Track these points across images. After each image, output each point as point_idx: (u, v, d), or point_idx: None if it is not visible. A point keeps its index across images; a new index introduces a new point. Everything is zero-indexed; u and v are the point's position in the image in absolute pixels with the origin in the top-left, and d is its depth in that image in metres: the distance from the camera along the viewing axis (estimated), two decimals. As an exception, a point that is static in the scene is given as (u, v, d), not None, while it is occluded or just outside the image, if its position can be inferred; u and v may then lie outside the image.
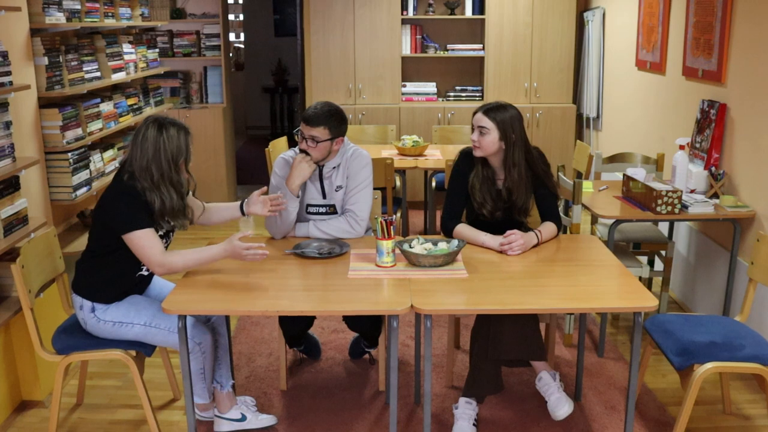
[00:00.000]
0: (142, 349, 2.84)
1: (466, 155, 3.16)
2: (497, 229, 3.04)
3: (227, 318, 3.10)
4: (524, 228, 3.10)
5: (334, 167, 3.17)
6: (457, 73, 6.82)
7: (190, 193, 2.94)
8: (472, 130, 3.07)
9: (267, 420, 3.02)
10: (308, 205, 3.20)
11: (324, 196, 3.20)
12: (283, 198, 3.02)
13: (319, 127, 3.02)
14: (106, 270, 2.78)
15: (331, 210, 3.21)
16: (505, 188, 3.09)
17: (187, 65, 6.60)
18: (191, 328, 2.74)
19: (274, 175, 3.19)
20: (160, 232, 2.76)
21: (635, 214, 3.56)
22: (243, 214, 3.05)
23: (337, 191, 3.19)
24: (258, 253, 2.69)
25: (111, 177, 4.18)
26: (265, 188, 3.02)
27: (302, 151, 3.07)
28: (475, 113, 3.07)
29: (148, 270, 2.87)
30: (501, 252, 2.95)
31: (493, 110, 3.03)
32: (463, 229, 3.08)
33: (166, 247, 2.81)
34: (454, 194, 3.16)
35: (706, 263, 4.05)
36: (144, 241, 2.65)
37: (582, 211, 3.58)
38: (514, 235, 2.93)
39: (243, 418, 2.97)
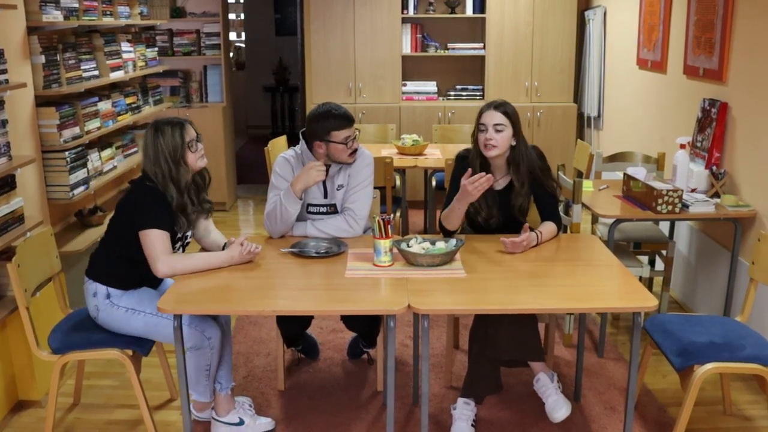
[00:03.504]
0: (139, 349, 2.83)
1: (463, 158, 3.14)
2: (497, 229, 3.01)
3: (225, 318, 3.09)
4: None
5: (340, 168, 3.15)
6: (458, 72, 6.80)
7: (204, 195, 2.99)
8: (478, 130, 3.03)
9: (265, 425, 2.99)
10: (309, 205, 3.18)
11: (325, 196, 3.18)
12: (283, 199, 3.02)
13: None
14: (124, 258, 2.82)
15: (332, 209, 3.19)
16: (505, 187, 3.07)
17: (187, 64, 6.58)
18: (202, 323, 2.75)
19: (274, 174, 3.17)
20: (179, 234, 2.84)
21: (636, 213, 3.54)
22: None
23: (338, 190, 3.17)
24: (253, 247, 2.82)
25: (109, 176, 4.22)
26: (243, 237, 2.92)
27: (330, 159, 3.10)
28: (482, 113, 3.02)
29: None
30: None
31: (502, 105, 3.02)
32: (444, 212, 3.05)
33: (184, 250, 2.92)
34: (452, 197, 3.13)
35: (706, 263, 4.03)
36: (155, 240, 2.72)
37: (582, 210, 3.56)
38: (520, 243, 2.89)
39: (241, 423, 2.94)
